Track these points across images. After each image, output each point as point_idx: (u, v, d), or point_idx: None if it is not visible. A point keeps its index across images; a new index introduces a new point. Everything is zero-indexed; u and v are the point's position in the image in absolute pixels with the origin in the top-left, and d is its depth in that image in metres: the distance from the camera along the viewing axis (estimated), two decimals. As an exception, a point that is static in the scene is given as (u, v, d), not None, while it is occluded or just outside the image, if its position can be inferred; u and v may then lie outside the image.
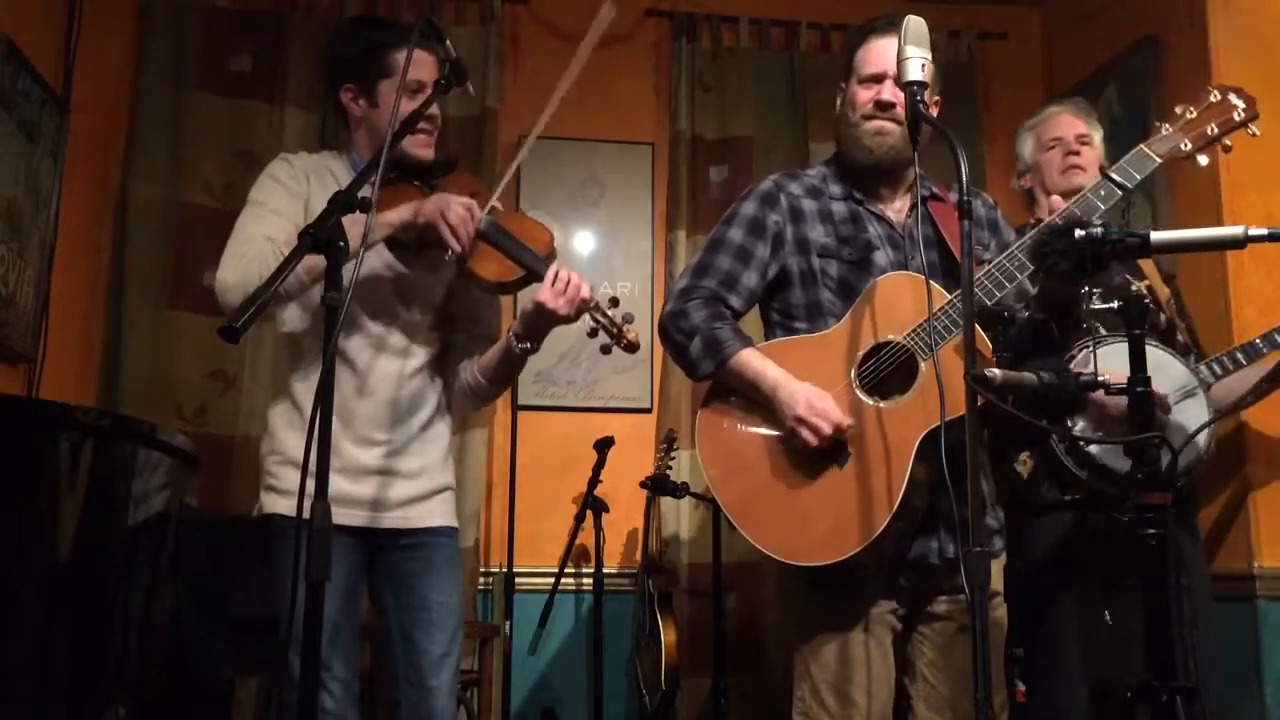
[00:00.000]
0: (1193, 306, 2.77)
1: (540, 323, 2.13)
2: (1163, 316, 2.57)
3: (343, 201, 1.68)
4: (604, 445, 3.63)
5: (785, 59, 4.20)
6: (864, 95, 2.15)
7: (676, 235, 4.00)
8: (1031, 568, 2.39)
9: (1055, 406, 1.79)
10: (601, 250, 4.09)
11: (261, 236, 2.05)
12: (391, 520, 2.15)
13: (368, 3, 3.94)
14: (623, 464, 3.69)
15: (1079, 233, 1.71)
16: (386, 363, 2.17)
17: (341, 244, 1.67)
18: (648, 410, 3.98)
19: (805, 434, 1.99)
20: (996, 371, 1.63)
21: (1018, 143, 2.90)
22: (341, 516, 2.13)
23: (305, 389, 2.13)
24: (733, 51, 4.18)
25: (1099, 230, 1.70)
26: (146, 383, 3.56)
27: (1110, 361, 2.02)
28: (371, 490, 2.13)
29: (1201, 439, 2.33)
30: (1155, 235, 1.71)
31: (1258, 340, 2.77)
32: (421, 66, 2.08)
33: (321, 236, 1.65)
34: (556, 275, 2.08)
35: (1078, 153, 2.75)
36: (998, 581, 2.13)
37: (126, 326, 3.58)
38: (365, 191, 1.74)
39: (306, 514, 1.94)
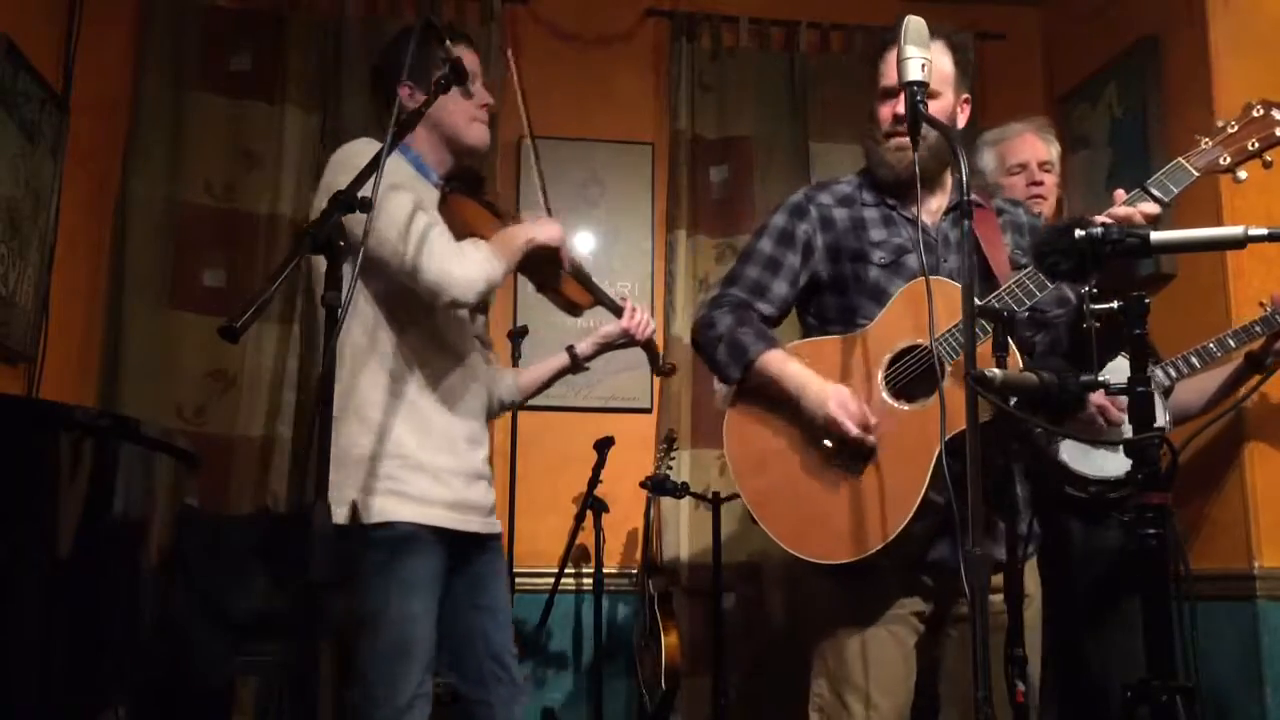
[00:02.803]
0: (1193, 306, 2.76)
1: (616, 347, 2.44)
2: None
3: (343, 202, 1.69)
4: (604, 445, 3.63)
5: (785, 59, 4.19)
6: (884, 111, 2.14)
7: (676, 235, 4.00)
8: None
9: (1056, 407, 1.78)
10: (601, 250, 4.08)
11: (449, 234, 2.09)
12: (490, 525, 2.22)
13: (368, 4, 3.94)
14: (623, 464, 3.69)
15: (1079, 233, 1.70)
16: (479, 361, 2.26)
17: (341, 244, 1.67)
18: (648, 410, 3.97)
19: (834, 431, 2.00)
20: (997, 371, 1.63)
21: (978, 156, 2.86)
22: (464, 523, 2.15)
23: (421, 390, 2.11)
24: (733, 51, 4.17)
25: (1099, 230, 1.70)
26: (146, 383, 3.56)
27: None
28: (478, 495, 2.19)
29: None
30: (1155, 235, 1.71)
31: (1211, 344, 2.78)
32: (466, 58, 2.17)
33: (321, 237, 1.65)
34: (635, 310, 2.39)
35: (1041, 182, 2.78)
36: (1031, 585, 2.12)
37: (126, 326, 3.58)
38: (365, 190, 1.75)
39: (446, 524, 2.07)
